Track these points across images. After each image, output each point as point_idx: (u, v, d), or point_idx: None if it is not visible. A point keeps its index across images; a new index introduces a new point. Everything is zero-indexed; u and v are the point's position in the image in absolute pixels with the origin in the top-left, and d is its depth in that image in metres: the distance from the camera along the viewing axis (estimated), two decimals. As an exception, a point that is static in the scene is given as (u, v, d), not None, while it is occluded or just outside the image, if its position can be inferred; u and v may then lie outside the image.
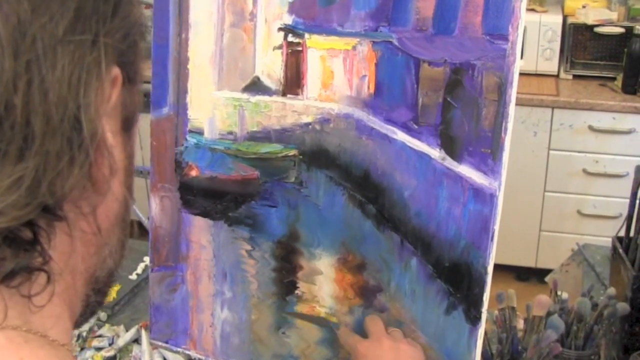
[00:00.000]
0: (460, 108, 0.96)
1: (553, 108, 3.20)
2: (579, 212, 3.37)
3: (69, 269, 0.52)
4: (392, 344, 1.00)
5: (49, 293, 0.48)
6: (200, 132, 1.15)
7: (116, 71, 0.50)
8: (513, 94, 0.93)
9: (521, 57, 0.92)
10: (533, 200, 3.39)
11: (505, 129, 0.93)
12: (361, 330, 1.09)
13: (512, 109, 0.93)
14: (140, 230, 2.09)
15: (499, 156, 0.94)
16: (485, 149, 0.95)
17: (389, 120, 1.01)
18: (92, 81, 0.46)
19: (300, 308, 1.14)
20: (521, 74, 0.93)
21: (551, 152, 3.30)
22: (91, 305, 0.59)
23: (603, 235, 2.92)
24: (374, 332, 1.03)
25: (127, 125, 0.55)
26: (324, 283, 1.11)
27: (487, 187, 0.95)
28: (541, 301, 1.30)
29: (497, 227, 0.97)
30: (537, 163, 3.32)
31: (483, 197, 0.96)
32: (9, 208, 0.42)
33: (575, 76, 3.38)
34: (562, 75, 3.39)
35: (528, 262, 3.50)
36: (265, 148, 1.10)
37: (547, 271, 2.17)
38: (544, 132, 3.26)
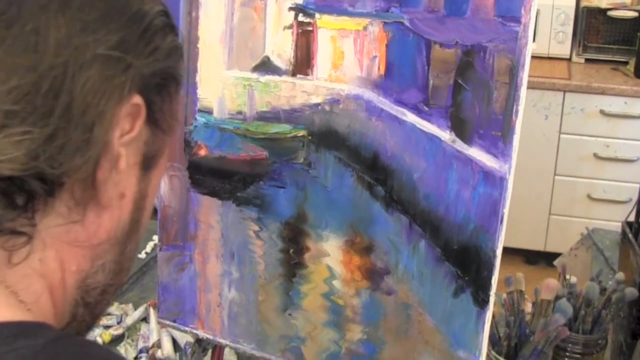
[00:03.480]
0: (471, 90, 0.95)
1: (565, 92, 3.18)
2: (588, 196, 3.36)
3: (59, 258, 0.57)
4: None
5: (27, 252, 0.54)
6: (209, 112, 1.14)
7: (138, 99, 0.57)
8: (524, 77, 0.92)
9: (533, 40, 0.91)
10: (543, 184, 3.38)
11: (516, 112, 0.93)
12: (368, 313, 1.10)
13: (523, 92, 0.92)
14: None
15: (509, 139, 0.93)
16: (496, 132, 0.94)
17: (399, 102, 1.00)
18: (113, 96, 0.54)
19: (307, 290, 1.14)
20: (533, 57, 0.92)
21: (562, 135, 3.28)
22: (79, 318, 0.62)
23: (612, 220, 2.91)
24: None
25: (145, 164, 0.62)
26: (331, 265, 1.11)
27: (497, 170, 0.95)
28: (549, 285, 1.29)
29: (506, 211, 0.96)
30: (547, 147, 3.30)
31: (493, 180, 0.95)
32: (8, 162, 0.50)
33: (587, 60, 3.36)
34: (575, 58, 3.36)
35: (537, 245, 3.50)
36: (275, 128, 1.10)
37: (556, 255, 2.17)
38: (555, 116, 3.24)
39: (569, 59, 3.37)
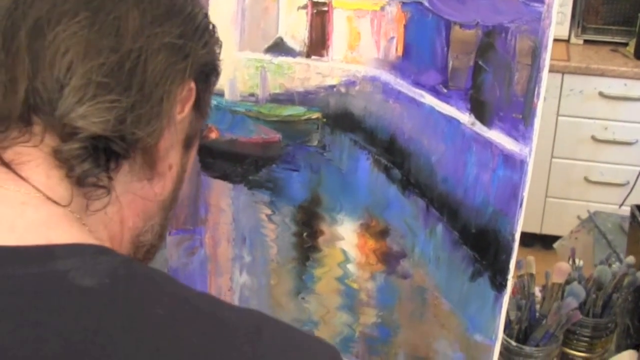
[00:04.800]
0: (492, 72, 0.93)
1: (563, 73, 3.16)
2: (586, 179, 3.35)
3: (120, 214, 0.66)
4: None
5: (104, 204, 0.64)
6: (220, 94, 1.13)
7: (192, 85, 0.68)
8: (547, 58, 0.90)
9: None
10: (540, 166, 3.37)
11: (538, 94, 0.91)
12: (382, 297, 1.09)
13: (545, 73, 0.91)
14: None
15: (530, 122, 0.92)
16: (517, 114, 0.93)
17: (417, 84, 0.99)
18: (176, 79, 0.65)
19: (320, 273, 1.13)
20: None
21: (560, 118, 3.27)
22: None
23: (610, 203, 2.91)
24: None
25: (187, 142, 0.72)
26: (345, 249, 1.10)
27: (518, 153, 0.94)
28: (561, 268, 1.29)
29: (526, 194, 0.95)
30: (545, 129, 3.29)
31: (513, 163, 0.94)
32: (100, 123, 0.59)
33: (586, 41, 3.34)
34: (573, 40, 3.34)
35: (533, 228, 3.50)
36: (288, 111, 1.08)
37: (552, 237, 2.17)
38: (554, 98, 3.22)
39: (568, 40, 3.35)
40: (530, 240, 3.52)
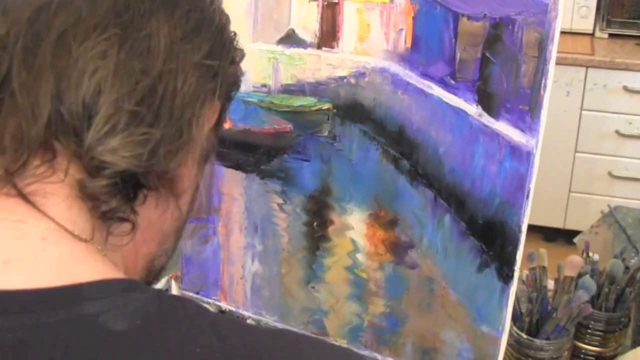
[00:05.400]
0: (499, 64, 0.94)
1: (587, 67, 3.14)
2: (609, 173, 3.33)
3: (136, 242, 0.62)
4: None
5: (126, 240, 0.60)
6: (233, 84, 1.14)
7: (217, 105, 0.64)
8: (554, 50, 0.91)
9: (558, 14, 0.90)
10: (563, 161, 3.35)
11: (545, 86, 0.92)
12: (391, 287, 1.10)
13: (552, 66, 0.91)
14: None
15: (537, 114, 0.93)
16: (524, 106, 0.93)
17: (426, 75, 0.99)
18: (206, 102, 0.61)
19: (330, 263, 1.14)
20: (556, 32, 0.92)
21: (584, 112, 3.25)
22: None
23: (634, 198, 2.89)
24: None
25: (202, 159, 0.68)
26: (354, 238, 1.11)
27: (524, 144, 0.94)
28: (573, 262, 1.29)
29: (532, 186, 0.96)
30: (569, 123, 3.27)
31: (520, 155, 0.95)
32: (132, 158, 0.55)
33: (611, 35, 3.31)
34: (598, 34, 3.32)
35: (556, 222, 3.48)
36: (299, 101, 1.10)
37: (575, 232, 2.15)
38: (577, 92, 3.20)
39: (592, 34, 3.33)
40: (553, 235, 3.51)
